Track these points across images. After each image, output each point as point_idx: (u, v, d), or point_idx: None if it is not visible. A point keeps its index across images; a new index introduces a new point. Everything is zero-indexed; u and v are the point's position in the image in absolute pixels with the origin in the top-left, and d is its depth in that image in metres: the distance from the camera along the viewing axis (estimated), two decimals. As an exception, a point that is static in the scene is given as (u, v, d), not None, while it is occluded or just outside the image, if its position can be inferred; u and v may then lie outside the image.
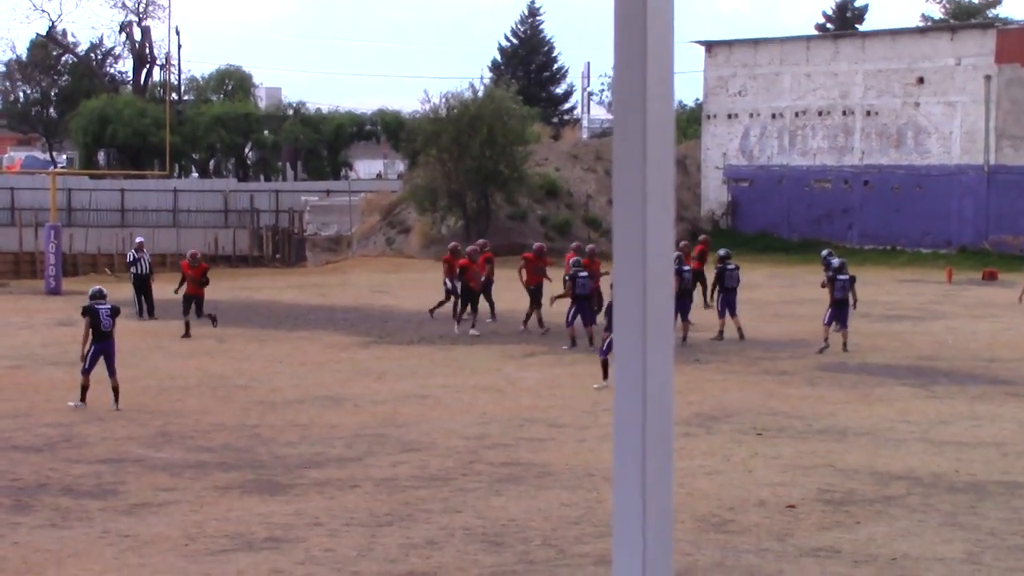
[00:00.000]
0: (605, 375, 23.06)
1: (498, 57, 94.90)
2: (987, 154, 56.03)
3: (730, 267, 30.67)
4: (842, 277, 28.65)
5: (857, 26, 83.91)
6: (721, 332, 30.30)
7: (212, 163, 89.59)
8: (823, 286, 29.61)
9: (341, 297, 41.10)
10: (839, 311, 28.50)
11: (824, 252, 33.79)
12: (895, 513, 14.64)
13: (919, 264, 54.07)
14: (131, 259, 36.37)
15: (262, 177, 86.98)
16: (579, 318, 28.41)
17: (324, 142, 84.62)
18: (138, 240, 37.72)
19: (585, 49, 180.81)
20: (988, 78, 55.78)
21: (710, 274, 34.15)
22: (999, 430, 19.69)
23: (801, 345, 29.70)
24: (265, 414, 20.92)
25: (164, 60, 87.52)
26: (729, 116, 63.12)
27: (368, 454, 17.78)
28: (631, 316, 2.18)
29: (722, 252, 31.87)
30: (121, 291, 38.51)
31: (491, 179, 55.86)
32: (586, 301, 28.54)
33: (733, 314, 30.28)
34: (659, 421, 2.19)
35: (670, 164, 2.21)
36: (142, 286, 35.51)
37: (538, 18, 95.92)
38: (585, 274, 28.61)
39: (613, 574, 2.18)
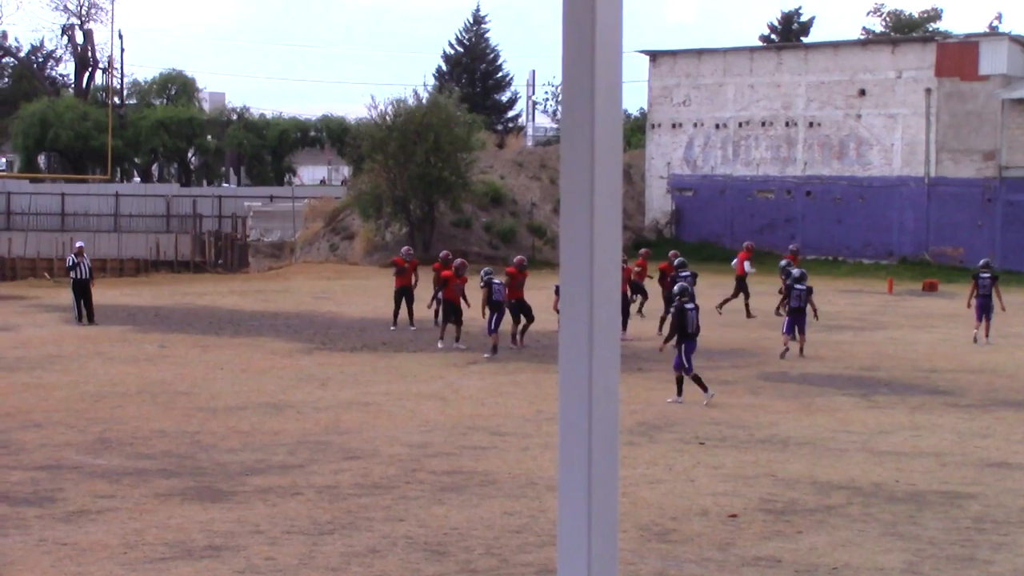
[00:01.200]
0: (679, 391, 22.79)
1: (443, 64, 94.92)
2: (927, 166, 56.54)
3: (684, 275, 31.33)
4: (799, 287, 29.25)
5: (802, 38, 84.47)
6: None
7: (155, 167, 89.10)
8: (780, 292, 30.23)
9: (284, 303, 40.93)
10: (796, 319, 29.23)
11: (783, 262, 34.22)
12: (836, 523, 14.70)
13: (861, 274, 54.47)
14: (71, 263, 36.08)
15: (205, 182, 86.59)
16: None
17: (268, 147, 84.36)
18: (78, 244, 37.42)
19: (530, 57, 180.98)
20: (928, 91, 56.29)
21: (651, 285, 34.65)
22: (939, 440, 19.82)
23: (743, 355, 29.82)
24: (206, 421, 20.77)
25: (106, 63, 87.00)
26: (673, 126, 63.36)
27: (310, 461, 17.68)
28: (577, 325, 2.16)
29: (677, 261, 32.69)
30: (60, 296, 38.29)
31: (436, 186, 55.80)
32: (502, 308, 29.23)
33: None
34: (605, 430, 2.17)
35: (617, 173, 2.20)
36: (82, 291, 35.23)
37: (483, 25, 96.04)
38: (499, 282, 29.40)
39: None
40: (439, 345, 30.06)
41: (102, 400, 22.65)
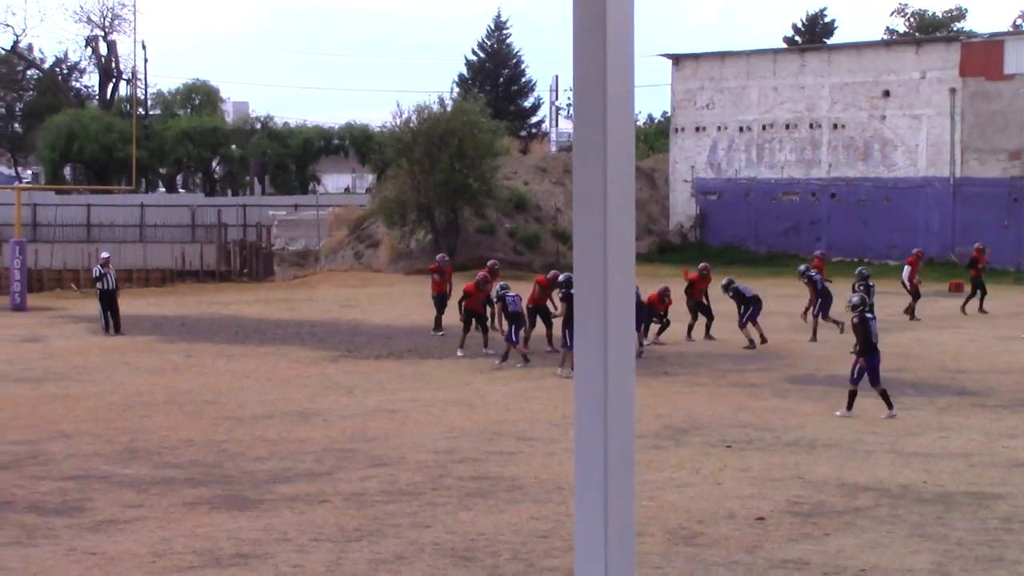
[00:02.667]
0: (850, 405, 21.89)
1: (465, 71, 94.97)
2: (952, 166, 56.35)
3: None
4: (870, 284, 30.98)
5: (825, 40, 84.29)
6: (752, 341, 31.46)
7: (179, 178, 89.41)
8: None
9: (309, 311, 41.01)
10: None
11: (802, 267, 34.97)
12: (863, 525, 14.66)
13: (886, 276, 54.22)
14: (97, 274, 36.23)
15: (229, 192, 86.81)
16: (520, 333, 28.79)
17: (292, 156, 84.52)
18: (104, 255, 37.56)
19: (553, 62, 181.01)
20: (953, 91, 56.10)
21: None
22: (966, 441, 19.76)
23: (769, 357, 29.78)
24: (233, 429, 20.83)
25: (130, 74, 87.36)
26: (697, 129, 63.29)
27: (337, 469, 17.72)
28: (592, 330, 2.17)
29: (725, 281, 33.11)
30: (87, 307, 38.46)
31: (460, 193, 55.82)
32: (520, 318, 28.92)
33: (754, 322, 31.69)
34: (621, 434, 2.18)
35: (630, 177, 2.21)
36: (108, 301, 35.38)
37: (505, 31, 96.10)
38: (514, 294, 29.24)
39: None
40: (459, 353, 30.04)
41: (129, 410, 22.73)
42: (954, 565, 13.02)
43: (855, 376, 21.80)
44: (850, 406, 21.79)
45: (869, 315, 22.28)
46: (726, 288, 31.93)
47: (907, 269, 39.36)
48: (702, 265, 34.72)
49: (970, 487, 16.55)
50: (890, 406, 21.59)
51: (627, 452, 2.21)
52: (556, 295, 30.26)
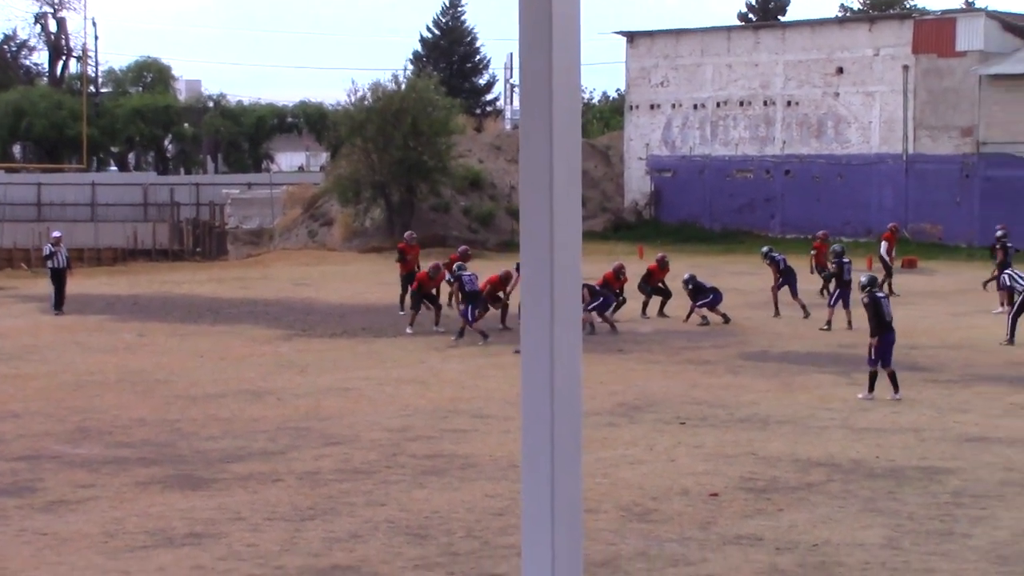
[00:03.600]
0: (871, 387, 21.37)
1: (420, 48, 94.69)
2: (905, 143, 56.61)
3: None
4: (845, 260, 30.88)
5: (779, 17, 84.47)
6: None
7: (131, 156, 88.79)
8: (831, 278, 31.81)
9: (263, 290, 40.84)
10: (845, 292, 30.46)
11: (765, 248, 34.98)
12: (816, 500, 14.75)
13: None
14: (47, 252, 36.00)
15: (182, 170, 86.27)
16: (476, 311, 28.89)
17: (245, 134, 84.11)
18: (55, 234, 37.25)
19: (507, 40, 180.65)
20: (906, 68, 56.32)
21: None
22: (918, 416, 19.89)
23: (723, 334, 29.89)
24: (186, 408, 20.74)
25: (81, 52, 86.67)
26: (651, 107, 63.33)
27: (291, 448, 17.67)
28: (539, 305, 2.15)
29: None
30: (37, 286, 38.18)
31: (415, 171, 55.67)
32: (478, 297, 29.08)
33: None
34: (567, 410, 2.17)
35: (576, 154, 2.18)
36: (58, 279, 35.12)
37: (459, 9, 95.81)
38: (470, 273, 29.39)
39: (523, 565, 2.16)
40: (408, 331, 30.03)
41: (80, 389, 22.59)
42: (905, 539, 13.12)
43: (872, 357, 21.42)
44: (871, 388, 21.31)
45: (880, 294, 22.11)
46: (686, 284, 31.79)
47: (884, 244, 39.46)
48: (660, 255, 34.81)
49: (921, 462, 16.67)
50: (896, 389, 21.18)
51: (574, 428, 2.19)
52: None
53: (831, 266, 32.03)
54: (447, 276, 30.87)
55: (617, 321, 31.21)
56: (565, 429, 2.21)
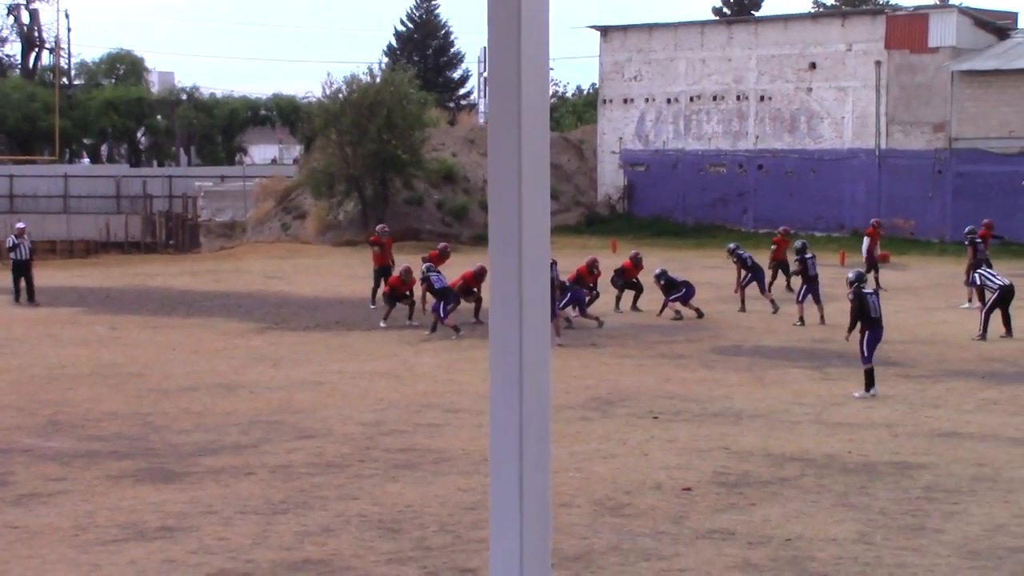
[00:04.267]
0: (869, 384, 21.18)
1: (394, 42, 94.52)
2: (878, 138, 56.77)
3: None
4: (808, 256, 30.92)
5: (753, 12, 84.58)
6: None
7: (104, 148, 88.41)
8: (796, 272, 32.02)
9: (236, 283, 40.74)
10: (813, 288, 30.55)
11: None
12: (789, 494, 14.77)
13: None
14: (11, 244, 35.89)
15: (155, 162, 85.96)
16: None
17: (218, 127, 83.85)
18: (18, 226, 37.10)
19: (482, 34, 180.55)
20: (878, 63, 56.47)
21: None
22: (890, 411, 19.95)
23: (696, 329, 29.92)
24: (158, 402, 20.67)
25: (53, 43, 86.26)
26: (625, 101, 63.35)
27: (263, 441, 17.63)
28: (507, 299, 2.14)
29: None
30: (7, 279, 37.94)
31: (389, 164, 55.60)
32: (448, 294, 29.10)
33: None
34: (536, 405, 2.15)
35: (545, 146, 2.17)
36: (22, 271, 35.02)
37: (434, 2, 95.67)
38: (438, 274, 29.42)
39: (491, 558, 2.14)
40: (381, 324, 30.01)
41: (52, 382, 22.49)
42: (877, 534, 13.15)
43: (865, 355, 21.32)
44: (869, 385, 21.18)
45: (867, 290, 22.10)
46: (658, 279, 31.89)
47: (867, 240, 39.60)
48: (634, 252, 34.82)
49: (893, 457, 16.72)
50: (869, 387, 21.13)
51: (542, 423, 2.18)
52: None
53: (794, 263, 32.18)
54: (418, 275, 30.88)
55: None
56: (533, 423, 2.19)
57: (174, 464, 16.23)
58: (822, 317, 30.15)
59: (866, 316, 21.41)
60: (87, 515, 13.80)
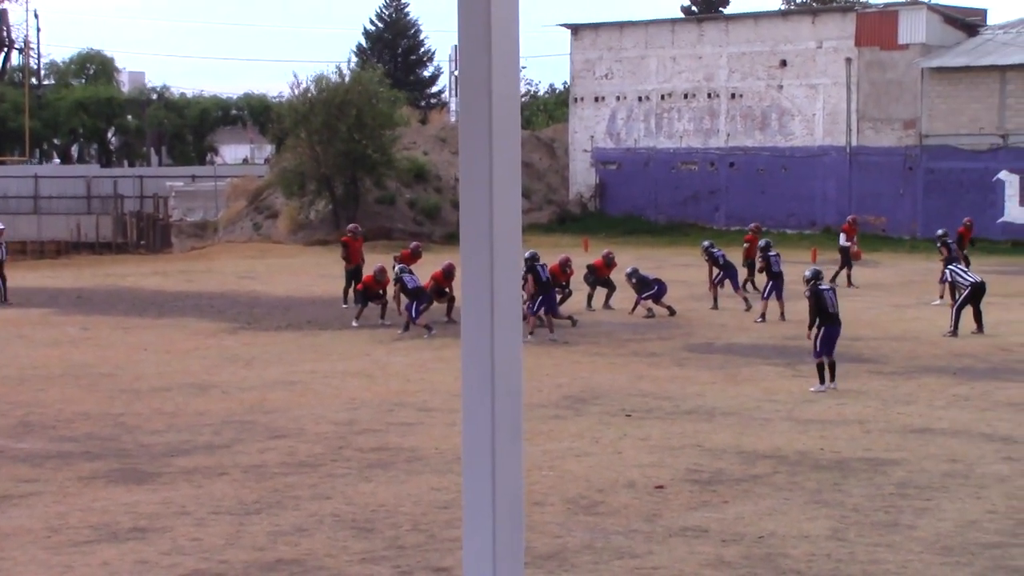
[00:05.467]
0: (822, 379, 21.47)
1: (363, 41, 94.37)
2: (849, 135, 56.94)
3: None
4: (772, 254, 31.24)
5: (722, 9, 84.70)
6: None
7: (74, 149, 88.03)
8: (760, 270, 32.35)
9: (207, 283, 40.63)
10: (777, 284, 30.63)
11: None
12: (762, 492, 14.80)
13: (785, 244, 54.65)
14: (-10, 245, 35.70)
15: (126, 163, 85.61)
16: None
17: (189, 127, 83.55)
18: (-2, 227, 36.96)
19: (452, 33, 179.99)
20: (849, 61, 56.64)
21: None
22: (863, 408, 20.01)
23: (669, 326, 29.96)
24: (130, 402, 20.60)
25: (23, 44, 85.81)
26: (596, 99, 63.39)
27: (236, 441, 17.59)
28: (479, 298, 2.13)
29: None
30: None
31: (359, 163, 55.51)
32: (421, 294, 29.08)
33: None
34: (508, 403, 2.15)
35: (516, 145, 2.17)
36: (-3, 271, 34.90)
37: (403, 1, 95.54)
38: (409, 274, 29.34)
39: (464, 557, 2.14)
40: (353, 324, 30.01)
41: (24, 383, 22.39)
42: (850, 531, 13.19)
43: (817, 350, 21.49)
44: (822, 379, 21.39)
45: (824, 287, 22.20)
46: (629, 277, 32.01)
47: (843, 236, 39.83)
48: (606, 252, 34.83)
49: (866, 453, 16.77)
50: (821, 381, 21.30)
51: (514, 421, 2.17)
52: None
53: (759, 260, 32.41)
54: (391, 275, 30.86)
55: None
56: (506, 422, 2.19)
57: (146, 465, 16.18)
58: (782, 313, 30.31)
59: (823, 312, 21.60)
60: (59, 516, 13.74)
